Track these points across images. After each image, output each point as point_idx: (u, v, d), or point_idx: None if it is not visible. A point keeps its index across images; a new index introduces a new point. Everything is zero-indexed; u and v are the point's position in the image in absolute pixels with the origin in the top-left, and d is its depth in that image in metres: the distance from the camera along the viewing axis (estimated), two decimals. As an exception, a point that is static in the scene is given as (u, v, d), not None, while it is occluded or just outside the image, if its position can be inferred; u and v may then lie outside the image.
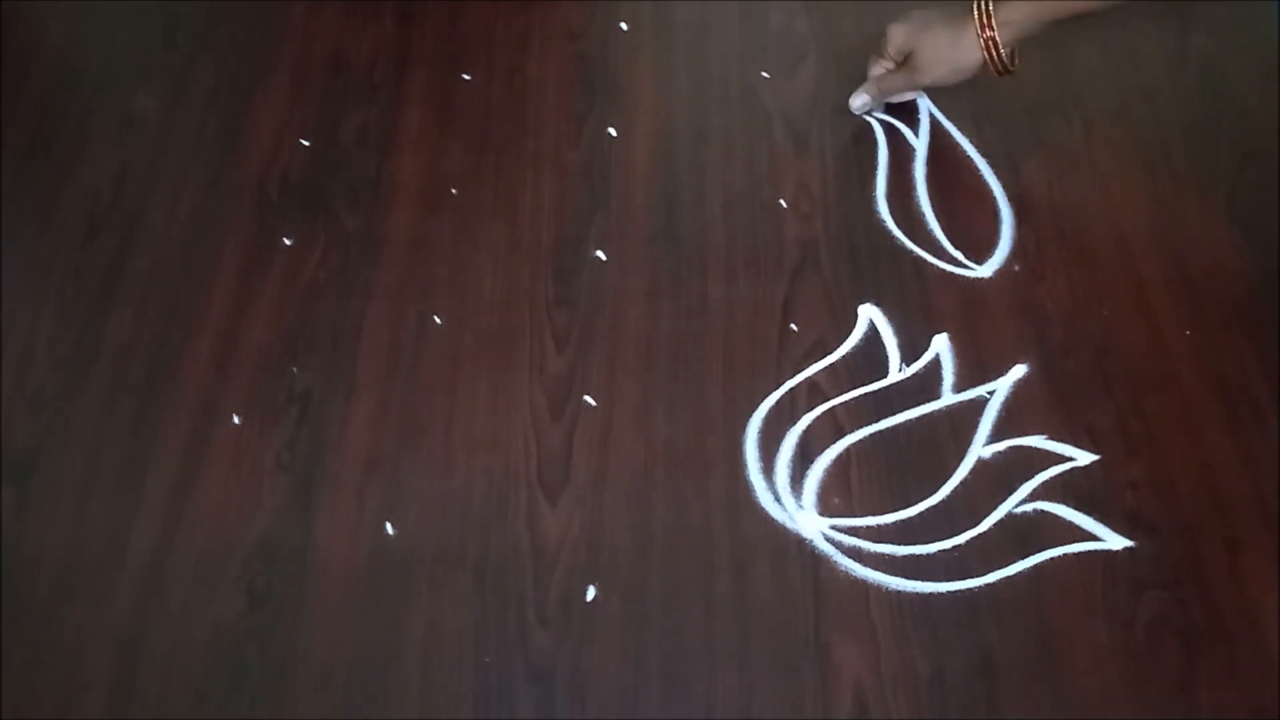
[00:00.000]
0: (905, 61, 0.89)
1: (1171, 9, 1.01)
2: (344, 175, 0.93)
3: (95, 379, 0.82)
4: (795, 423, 0.79)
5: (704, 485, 0.76)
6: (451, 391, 0.81)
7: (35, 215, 0.92)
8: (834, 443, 0.78)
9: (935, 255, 0.87)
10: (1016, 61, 0.86)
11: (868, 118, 0.95)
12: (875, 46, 0.92)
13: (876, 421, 0.79)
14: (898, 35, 0.89)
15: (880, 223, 0.89)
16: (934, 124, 0.95)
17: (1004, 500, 0.75)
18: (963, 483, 0.76)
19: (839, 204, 0.90)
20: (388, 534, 0.74)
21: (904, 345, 0.82)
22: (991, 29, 0.83)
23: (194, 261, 0.88)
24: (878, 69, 0.93)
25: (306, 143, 0.95)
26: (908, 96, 0.95)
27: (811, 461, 0.77)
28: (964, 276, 0.86)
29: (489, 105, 0.98)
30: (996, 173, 0.91)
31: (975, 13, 0.83)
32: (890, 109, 0.95)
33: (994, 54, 0.84)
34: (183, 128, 0.97)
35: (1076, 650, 0.69)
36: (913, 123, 0.95)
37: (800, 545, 0.74)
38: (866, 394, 0.80)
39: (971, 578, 0.72)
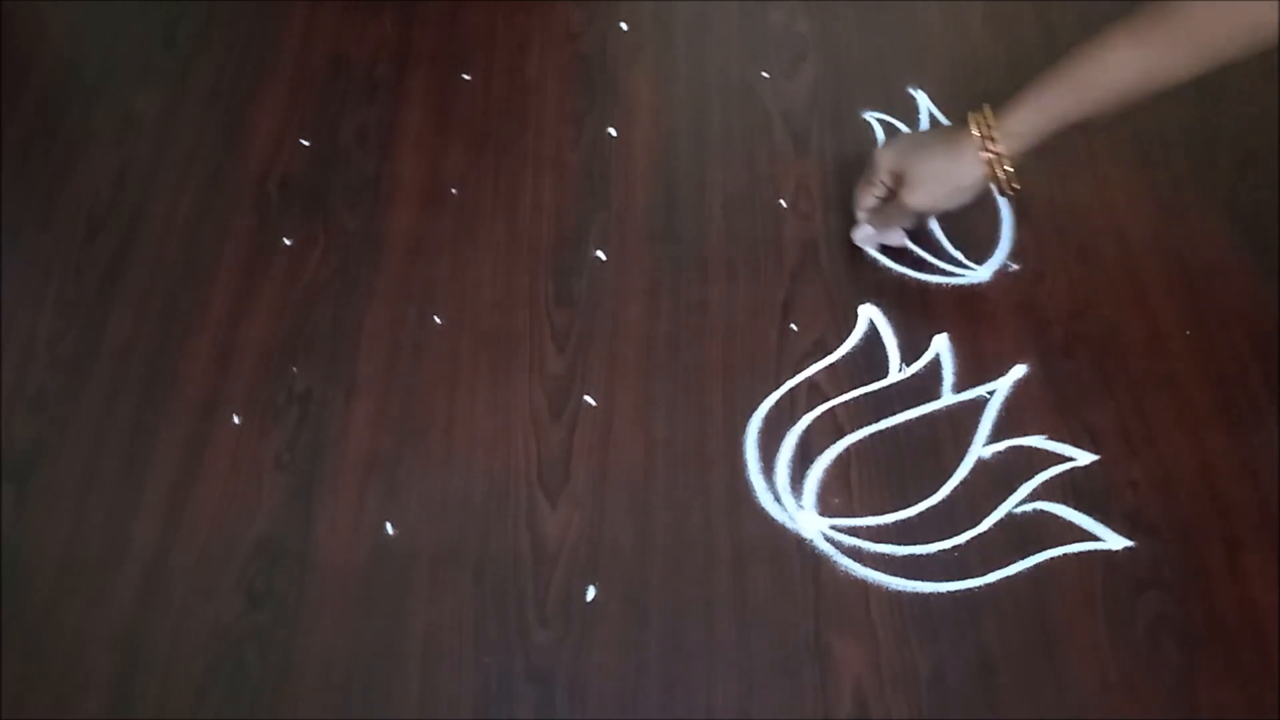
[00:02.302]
0: (897, 187, 0.80)
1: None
2: (344, 175, 0.93)
3: (95, 379, 0.82)
4: (795, 423, 0.79)
5: (704, 485, 0.76)
6: (451, 391, 0.81)
7: (35, 215, 0.92)
8: (834, 443, 0.78)
9: (935, 255, 0.87)
10: (1016, 183, 0.77)
11: (867, 117, 0.95)
12: (864, 174, 0.83)
13: (876, 421, 0.79)
14: (886, 159, 0.80)
15: (880, 223, 0.89)
16: (934, 124, 0.94)
17: (1004, 500, 0.75)
18: (963, 483, 0.76)
19: (839, 204, 0.90)
20: (388, 534, 0.74)
21: (904, 345, 0.82)
22: (994, 142, 0.74)
23: (194, 261, 0.88)
24: (868, 198, 0.83)
25: (306, 143, 0.95)
26: (898, 238, 0.86)
27: (811, 461, 0.77)
28: (964, 277, 0.86)
29: (489, 105, 0.98)
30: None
31: (974, 128, 0.75)
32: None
33: (998, 171, 0.75)
34: (183, 128, 0.97)
35: (1076, 650, 0.69)
36: (912, 123, 0.95)
37: (800, 545, 0.74)
38: (866, 394, 0.80)
39: (971, 578, 0.72)
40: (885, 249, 0.87)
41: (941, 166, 0.77)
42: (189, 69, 1.01)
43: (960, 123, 0.77)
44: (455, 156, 0.94)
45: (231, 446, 0.78)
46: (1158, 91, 0.72)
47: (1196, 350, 0.81)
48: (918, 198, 0.79)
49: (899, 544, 0.73)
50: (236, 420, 0.80)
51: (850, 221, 0.88)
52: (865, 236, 0.86)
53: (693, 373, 0.81)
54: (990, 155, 0.75)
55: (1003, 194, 0.79)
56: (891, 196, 0.81)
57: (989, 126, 0.75)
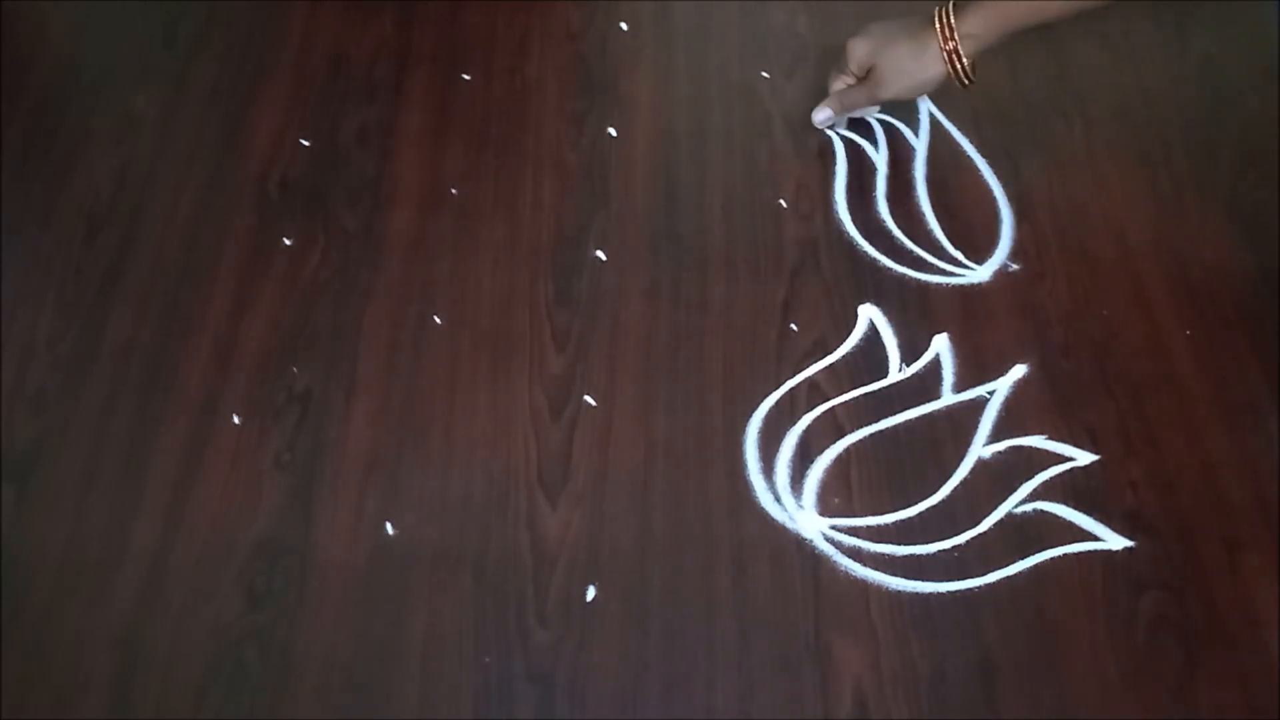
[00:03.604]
0: (866, 76, 0.88)
1: (1171, 9, 1.01)
2: (344, 175, 0.93)
3: (95, 379, 0.82)
4: (795, 423, 0.79)
5: (704, 485, 0.76)
6: (451, 391, 0.81)
7: (35, 215, 0.92)
8: (834, 443, 0.78)
9: (935, 255, 0.87)
10: (975, 73, 0.84)
11: (869, 118, 0.95)
12: (836, 62, 0.91)
13: (876, 421, 0.79)
14: (859, 50, 0.87)
15: (880, 222, 0.89)
16: (934, 124, 0.95)
17: (1004, 500, 0.75)
18: (963, 483, 0.76)
19: (839, 204, 0.90)
20: (388, 534, 0.74)
21: (904, 345, 0.82)
22: (954, 41, 0.82)
23: (194, 261, 0.88)
24: (838, 84, 0.92)
25: (306, 143, 0.95)
26: (869, 112, 0.94)
27: (811, 461, 0.77)
28: (964, 276, 0.86)
29: (489, 105, 0.98)
30: (996, 173, 0.91)
31: (937, 26, 0.82)
32: (853, 123, 0.95)
33: (957, 67, 0.83)
34: (183, 128, 0.97)
35: (1076, 650, 0.69)
36: (913, 123, 0.95)
37: (800, 545, 0.74)
38: (866, 394, 0.80)
39: (971, 578, 0.72)
40: (895, 246, 0.87)
41: (908, 63, 0.85)
42: (189, 69, 1.01)
43: (925, 19, 0.83)
44: (455, 156, 0.94)
45: (231, 446, 0.78)
46: (1104, 4, 0.80)
47: (1196, 350, 0.81)
48: (884, 91, 0.87)
49: (899, 544, 0.73)
50: (236, 420, 0.80)
51: (851, 220, 0.89)
52: (825, 118, 0.93)
53: (693, 373, 0.81)
54: (952, 55, 0.82)
55: (963, 86, 0.85)
56: (858, 83, 0.90)
57: (951, 27, 0.82)
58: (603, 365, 0.82)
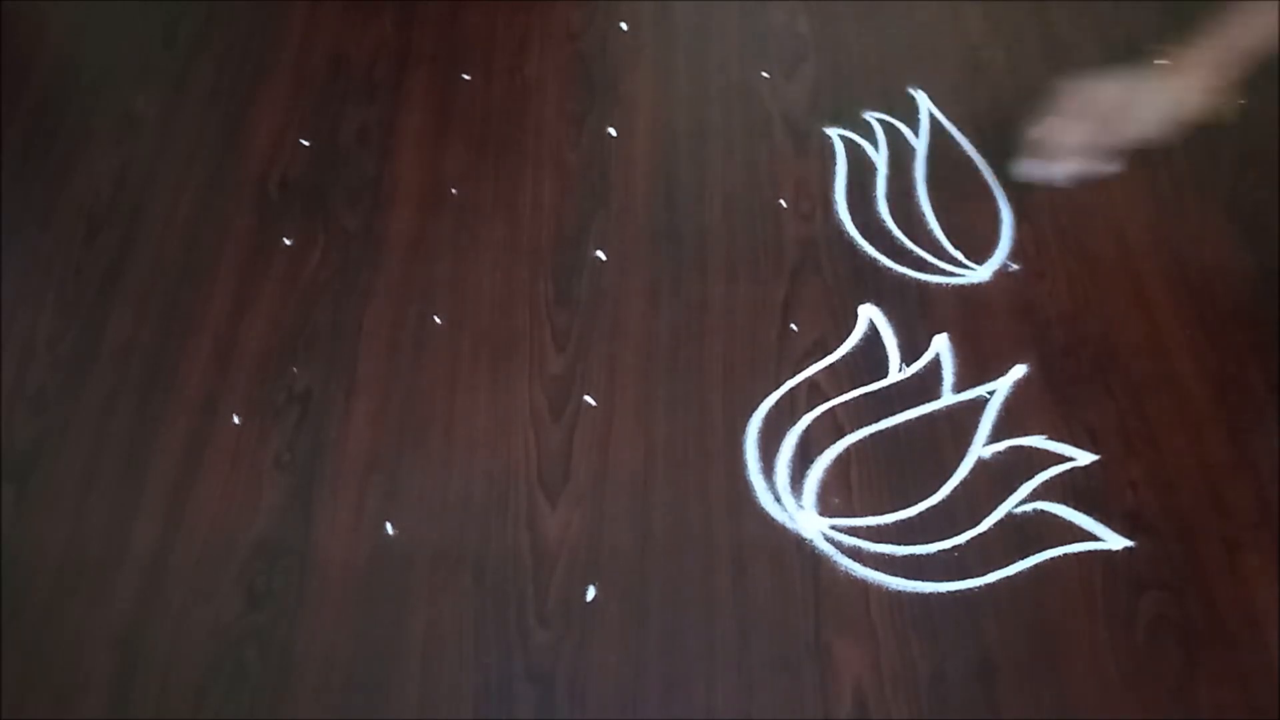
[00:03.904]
0: (1106, 118, 0.80)
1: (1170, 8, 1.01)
2: (344, 175, 0.93)
3: (95, 379, 0.82)
4: (795, 423, 0.79)
5: (704, 485, 0.76)
6: (451, 391, 0.81)
7: (35, 215, 0.92)
8: (834, 443, 0.78)
9: (935, 255, 0.87)
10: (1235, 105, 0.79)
11: (868, 117, 0.95)
12: (1048, 108, 0.82)
13: (876, 421, 0.79)
14: (1104, 93, 0.80)
15: (880, 223, 0.89)
16: (934, 124, 0.94)
17: (1004, 500, 0.75)
18: (963, 483, 0.76)
19: (839, 204, 0.90)
20: (388, 534, 0.74)
21: (904, 345, 0.82)
22: (1203, 76, 0.76)
23: (194, 261, 0.88)
24: (1073, 134, 0.81)
25: (306, 143, 0.95)
26: (1102, 166, 0.84)
27: (811, 461, 0.77)
28: (964, 277, 0.86)
29: (489, 105, 0.98)
30: (996, 173, 0.91)
31: (1183, 63, 0.77)
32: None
33: (1216, 100, 0.77)
34: (183, 128, 0.97)
35: (1076, 650, 0.69)
36: (913, 123, 0.95)
37: (800, 545, 0.74)
38: (866, 394, 0.80)
39: (971, 578, 0.72)
40: (890, 250, 0.87)
41: (1162, 101, 0.79)
42: (189, 69, 1.01)
43: (1149, 60, 0.78)
44: (455, 156, 0.94)
45: (231, 446, 0.78)
46: None
47: (1196, 350, 0.81)
48: (1136, 129, 0.79)
49: (899, 544, 0.73)
50: (236, 420, 0.80)
51: (851, 220, 0.88)
52: (1064, 174, 0.84)
53: (693, 373, 0.81)
54: (1207, 87, 0.77)
55: (1218, 121, 0.79)
56: (1089, 127, 0.81)
57: (1193, 63, 0.77)
58: (603, 365, 0.82)
